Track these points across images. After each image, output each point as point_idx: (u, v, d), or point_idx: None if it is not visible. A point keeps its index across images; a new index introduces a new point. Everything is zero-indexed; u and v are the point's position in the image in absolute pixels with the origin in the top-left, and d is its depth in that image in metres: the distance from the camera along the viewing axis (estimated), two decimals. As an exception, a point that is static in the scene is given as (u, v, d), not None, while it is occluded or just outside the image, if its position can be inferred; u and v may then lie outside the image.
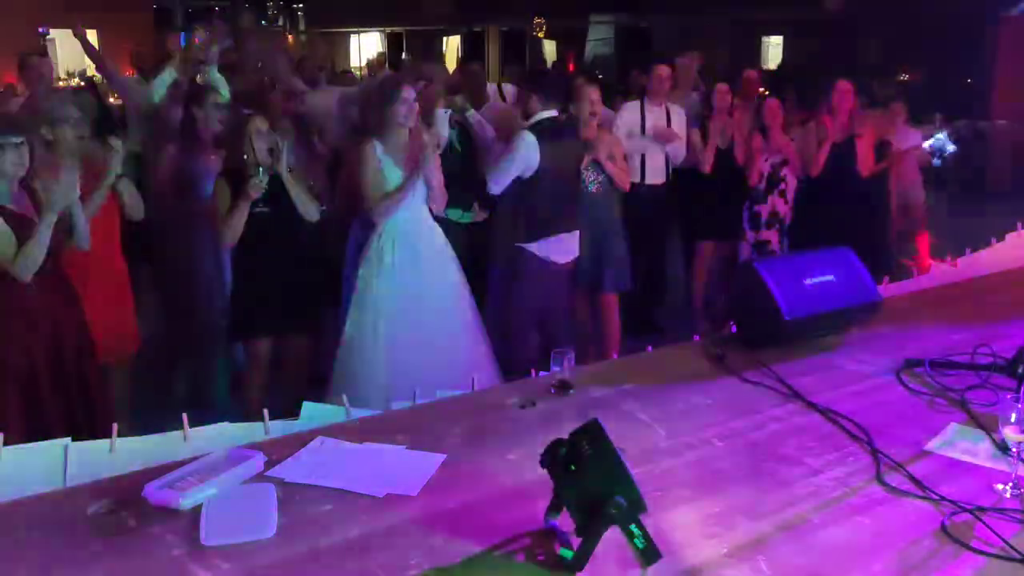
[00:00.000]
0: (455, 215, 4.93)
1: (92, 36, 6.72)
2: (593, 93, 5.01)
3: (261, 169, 3.96)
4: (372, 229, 4.23)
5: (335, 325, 4.52)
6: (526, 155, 4.35)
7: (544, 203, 4.45)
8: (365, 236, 4.41)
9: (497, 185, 4.45)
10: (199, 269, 4.75)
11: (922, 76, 13.18)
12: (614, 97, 6.72)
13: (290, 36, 22.34)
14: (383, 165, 4.07)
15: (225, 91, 5.49)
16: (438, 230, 4.31)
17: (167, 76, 5.33)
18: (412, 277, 4.13)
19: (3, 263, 3.18)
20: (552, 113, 4.47)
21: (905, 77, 13.61)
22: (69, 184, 3.28)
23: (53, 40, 14.81)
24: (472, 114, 5.06)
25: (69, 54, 14.19)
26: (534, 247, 4.45)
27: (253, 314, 4.18)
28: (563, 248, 4.56)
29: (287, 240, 4.18)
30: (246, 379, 4.34)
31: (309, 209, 4.17)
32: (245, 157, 4.04)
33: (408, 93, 4.05)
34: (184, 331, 4.86)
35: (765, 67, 15.24)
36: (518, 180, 4.40)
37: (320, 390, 4.33)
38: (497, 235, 4.73)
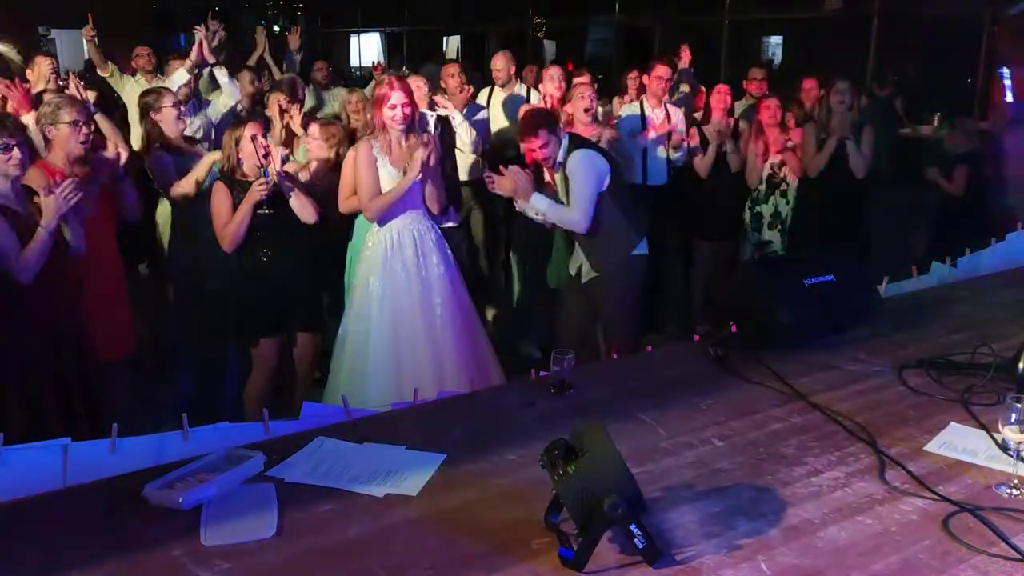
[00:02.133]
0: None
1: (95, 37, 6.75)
2: (587, 90, 5.04)
3: (265, 170, 3.96)
4: (368, 228, 4.24)
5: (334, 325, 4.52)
6: (599, 167, 4.18)
7: (635, 204, 4.33)
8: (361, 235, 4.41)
9: (586, 221, 4.13)
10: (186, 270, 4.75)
11: (922, 76, 13.18)
12: (613, 97, 6.71)
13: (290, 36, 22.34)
14: (379, 166, 4.08)
15: (235, 92, 5.51)
16: (435, 230, 4.32)
17: (178, 78, 5.34)
18: (409, 277, 4.13)
19: (3, 264, 3.18)
20: (566, 136, 4.32)
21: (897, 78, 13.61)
22: (69, 193, 3.27)
23: (54, 40, 14.81)
24: (454, 116, 5.07)
25: (69, 54, 14.19)
26: (643, 248, 4.35)
27: (257, 315, 4.17)
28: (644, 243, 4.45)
29: (291, 240, 4.17)
30: (250, 380, 4.33)
31: (306, 212, 4.15)
32: (240, 161, 4.04)
33: (396, 98, 4.05)
34: (183, 332, 4.86)
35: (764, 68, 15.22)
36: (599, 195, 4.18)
37: (320, 390, 4.34)
38: (608, 247, 4.27)
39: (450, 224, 5.15)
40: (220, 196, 4.06)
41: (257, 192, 3.94)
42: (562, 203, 4.23)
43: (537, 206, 4.16)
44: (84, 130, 3.83)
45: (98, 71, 6.92)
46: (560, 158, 4.18)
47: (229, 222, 4.02)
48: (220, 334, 4.53)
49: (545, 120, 4.27)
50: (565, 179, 4.20)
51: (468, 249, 5.64)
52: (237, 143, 4.08)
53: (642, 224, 4.36)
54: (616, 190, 4.22)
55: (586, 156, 4.16)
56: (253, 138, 4.02)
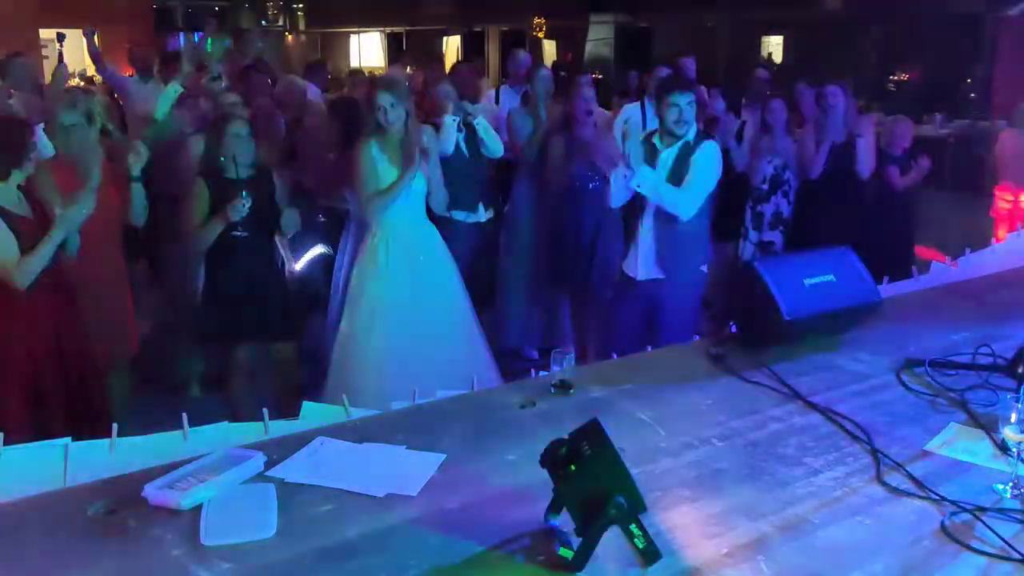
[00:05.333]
0: (460, 216, 4.97)
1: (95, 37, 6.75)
2: (588, 91, 5.04)
3: (245, 193, 3.85)
4: (367, 229, 4.23)
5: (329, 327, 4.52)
6: (721, 166, 4.09)
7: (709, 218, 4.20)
8: (360, 236, 4.41)
9: (697, 204, 3.95)
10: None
11: (922, 76, 13.18)
12: (613, 97, 6.72)
13: (290, 36, 22.36)
14: (379, 164, 4.08)
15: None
16: (434, 230, 4.32)
17: (171, 91, 5.31)
18: (407, 276, 4.13)
19: (4, 268, 3.17)
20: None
21: (904, 77, 13.62)
22: (84, 206, 3.27)
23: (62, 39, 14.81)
24: (479, 121, 5.09)
25: (69, 54, 14.19)
26: (706, 265, 4.22)
27: (226, 324, 4.11)
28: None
29: (264, 262, 4.12)
30: (228, 385, 4.31)
31: (289, 220, 4.10)
32: (223, 159, 3.96)
33: (384, 99, 4.04)
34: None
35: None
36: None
37: (311, 395, 4.32)
38: (686, 248, 4.07)
39: (479, 219, 5.16)
40: (198, 196, 3.98)
41: (231, 214, 3.87)
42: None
43: (643, 178, 3.88)
44: (85, 132, 3.82)
45: (96, 71, 6.92)
46: (689, 135, 4.00)
47: (199, 228, 3.95)
48: (190, 339, 4.53)
49: (693, 84, 4.21)
50: (675, 163, 4.00)
51: (488, 247, 5.62)
52: (219, 141, 3.99)
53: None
54: (711, 198, 4.13)
55: (717, 150, 4.06)
56: (239, 135, 3.97)
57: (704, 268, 4.18)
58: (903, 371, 2.77)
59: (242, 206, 3.83)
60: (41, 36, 14.49)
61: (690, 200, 3.94)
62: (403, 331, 4.10)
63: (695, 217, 3.99)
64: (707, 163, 3.98)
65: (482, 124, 5.06)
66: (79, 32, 6.67)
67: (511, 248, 5.68)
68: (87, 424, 3.35)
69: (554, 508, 1.84)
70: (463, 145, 5.00)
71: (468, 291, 4.39)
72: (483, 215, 5.17)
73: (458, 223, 4.93)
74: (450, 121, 4.87)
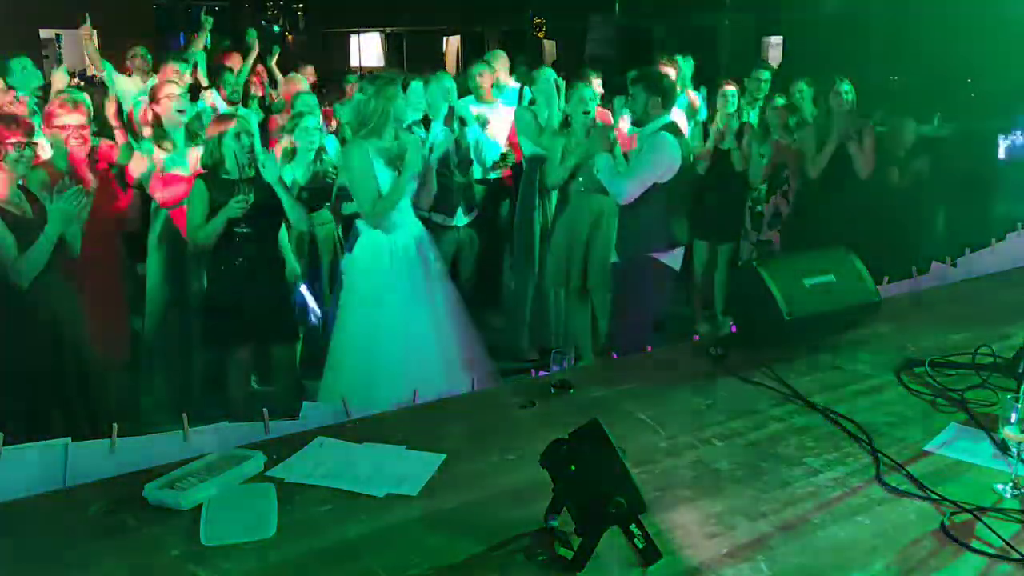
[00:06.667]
0: (438, 219, 5.00)
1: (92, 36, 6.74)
2: (587, 91, 5.05)
3: (246, 188, 3.85)
4: (362, 228, 4.23)
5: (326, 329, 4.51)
6: (671, 158, 4.13)
7: (677, 211, 4.27)
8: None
9: (630, 194, 4.12)
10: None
11: (922, 76, 13.17)
12: (613, 97, 6.70)
13: (290, 36, 22.38)
14: (376, 166, 4.08)
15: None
16: (424, 229, 4.32)
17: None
18: (399, 276, 4.13)
19: (3, 267, 3.17)
20: (669, 118, 4.27)
21: (905, 77, 13.60)
22: (79, 202, 3.27)
23: (60, 40, 14.83)
24: (473, 126, 5.08)
25: (70, 54, 14.21)
26: (667, 257, 4.25)
27: (228, 325, 4.09)
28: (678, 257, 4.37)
29: (266, 262, 4.11)
30: (228, 385, 4.30)
31: (300, 217, 4.09)
32: (224, 160, 3.96)
33: (397, 91, 4.07)
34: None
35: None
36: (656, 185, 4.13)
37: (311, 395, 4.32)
38: (637, 235, 4.24)
39: (456, 223, 5.17)
40: (198, 195, 3.98)
41: (234, 208, 3.87)
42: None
43: (598, 163, 4.25)
44: (84, 132, 3.82)
45: (94, 70, 6.91)
46: (647, 128, 4.18)
47: (202, 227, 3.95)
48: (193, 340, 4.52)
49: (653, 81, 4.23)
50: (633, 152, 4.26)
51: (476, 248, 5.61)
52: (220, 139, 3.98)
53: (680, 237, 4.31)
54: (673, 190, 4.20)
55: (665, 141, 4.12)
56: (237, 135, 3.96)
57: (660, 256, 4.23)
58: (903, 371, 2.77)
59: (243, 200, 3.84)
60: (41, 36, 14.51)
61: (625, 184, 4.15)
62: (396, 330, 4.10)
63: (645, 205, 4.15)
64: (650, 153, 4.13)
65: (475, 129, 5.07)
66: (78, 32, 6.66)
67: (513, 247, 5.68)
68: (87, 424, 3.36)
69: (554, 508, 1.84)
70: (451, 149, 5.01)
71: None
72: (462, 219, 5.22)
73: (434, 225, 4.96)
74: (435, 125, 4.91)
